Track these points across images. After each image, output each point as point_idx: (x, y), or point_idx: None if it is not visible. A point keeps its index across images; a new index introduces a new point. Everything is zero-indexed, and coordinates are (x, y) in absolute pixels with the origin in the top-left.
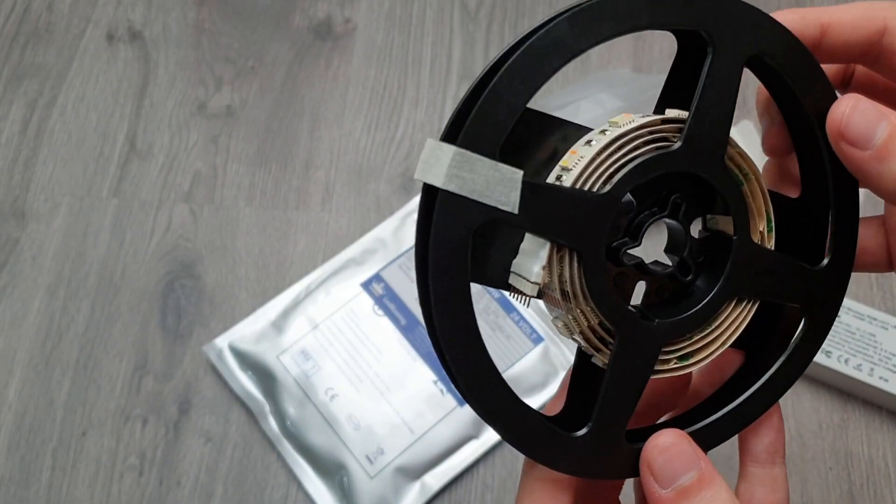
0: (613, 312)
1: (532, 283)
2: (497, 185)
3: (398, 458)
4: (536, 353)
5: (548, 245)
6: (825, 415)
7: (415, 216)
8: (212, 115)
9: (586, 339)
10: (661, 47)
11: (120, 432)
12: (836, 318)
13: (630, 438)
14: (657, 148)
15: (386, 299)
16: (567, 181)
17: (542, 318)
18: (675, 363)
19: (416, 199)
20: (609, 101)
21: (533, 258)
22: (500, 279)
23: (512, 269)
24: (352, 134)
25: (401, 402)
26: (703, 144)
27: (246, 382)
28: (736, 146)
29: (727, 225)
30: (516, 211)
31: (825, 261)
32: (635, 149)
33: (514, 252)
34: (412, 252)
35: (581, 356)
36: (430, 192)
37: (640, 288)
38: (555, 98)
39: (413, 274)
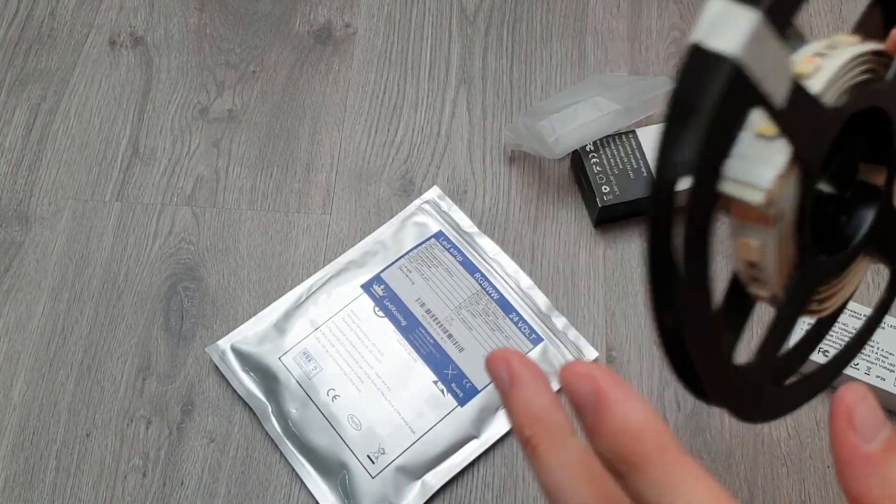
0: (806, 239)
1: (763, 189)
2: (778, 72)
3: (399, 457)
4: (535, 353)
5: (786, 152)
6: (823, 413)
7: (414, 219)
8: (214, 119)
9: (764, 268)
10: (657, 50)
11: (124, 433)
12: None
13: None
14: (868, 80)
15: (386, 300)
16: (813, 87)
17: (541, 318)
18: (816, 305)
19: (416, 203)
20: (606, 105)
21: (762, 164)
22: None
23: (727, 175)
24: (352, 137)
25: (402, 402)
26: None
27: (248, 383)
28: None
29: (873, 176)
30: (784, 105)
31: None
32: (861, 73)
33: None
34: (412, 254)
35: (733, 290)
36: (700, 62)
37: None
38: (552, 101)
39: (413, 276)
